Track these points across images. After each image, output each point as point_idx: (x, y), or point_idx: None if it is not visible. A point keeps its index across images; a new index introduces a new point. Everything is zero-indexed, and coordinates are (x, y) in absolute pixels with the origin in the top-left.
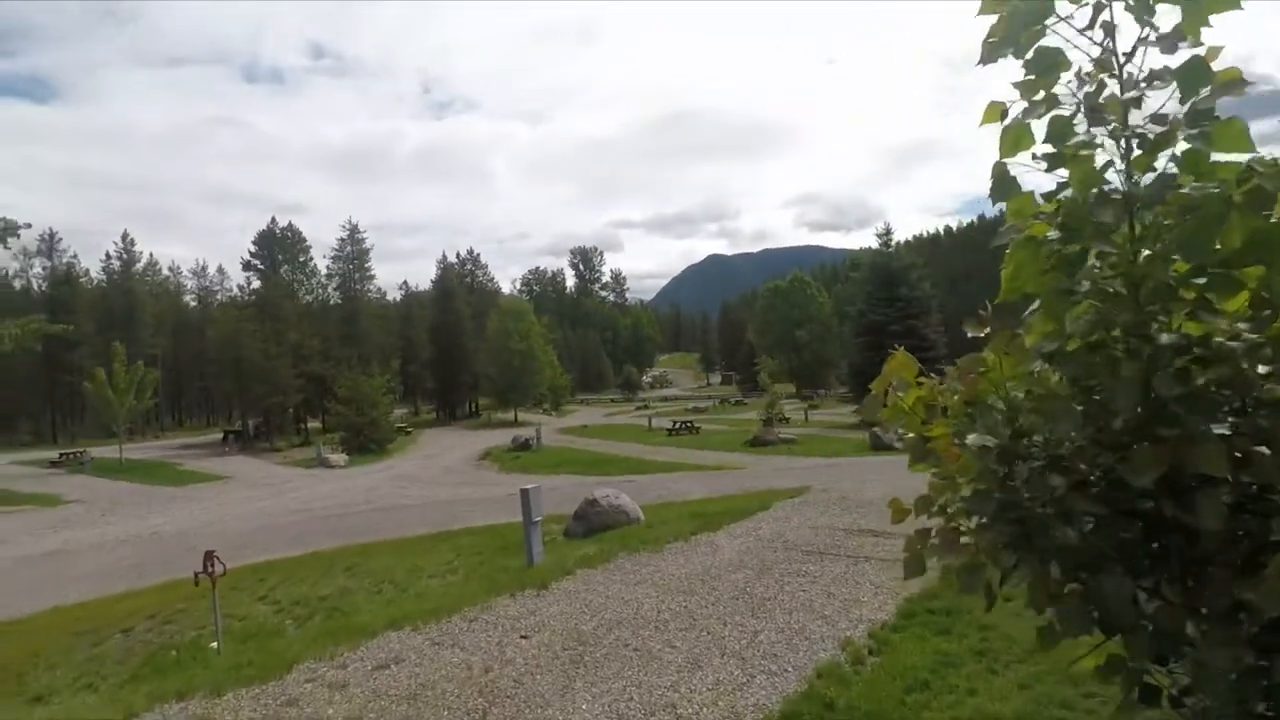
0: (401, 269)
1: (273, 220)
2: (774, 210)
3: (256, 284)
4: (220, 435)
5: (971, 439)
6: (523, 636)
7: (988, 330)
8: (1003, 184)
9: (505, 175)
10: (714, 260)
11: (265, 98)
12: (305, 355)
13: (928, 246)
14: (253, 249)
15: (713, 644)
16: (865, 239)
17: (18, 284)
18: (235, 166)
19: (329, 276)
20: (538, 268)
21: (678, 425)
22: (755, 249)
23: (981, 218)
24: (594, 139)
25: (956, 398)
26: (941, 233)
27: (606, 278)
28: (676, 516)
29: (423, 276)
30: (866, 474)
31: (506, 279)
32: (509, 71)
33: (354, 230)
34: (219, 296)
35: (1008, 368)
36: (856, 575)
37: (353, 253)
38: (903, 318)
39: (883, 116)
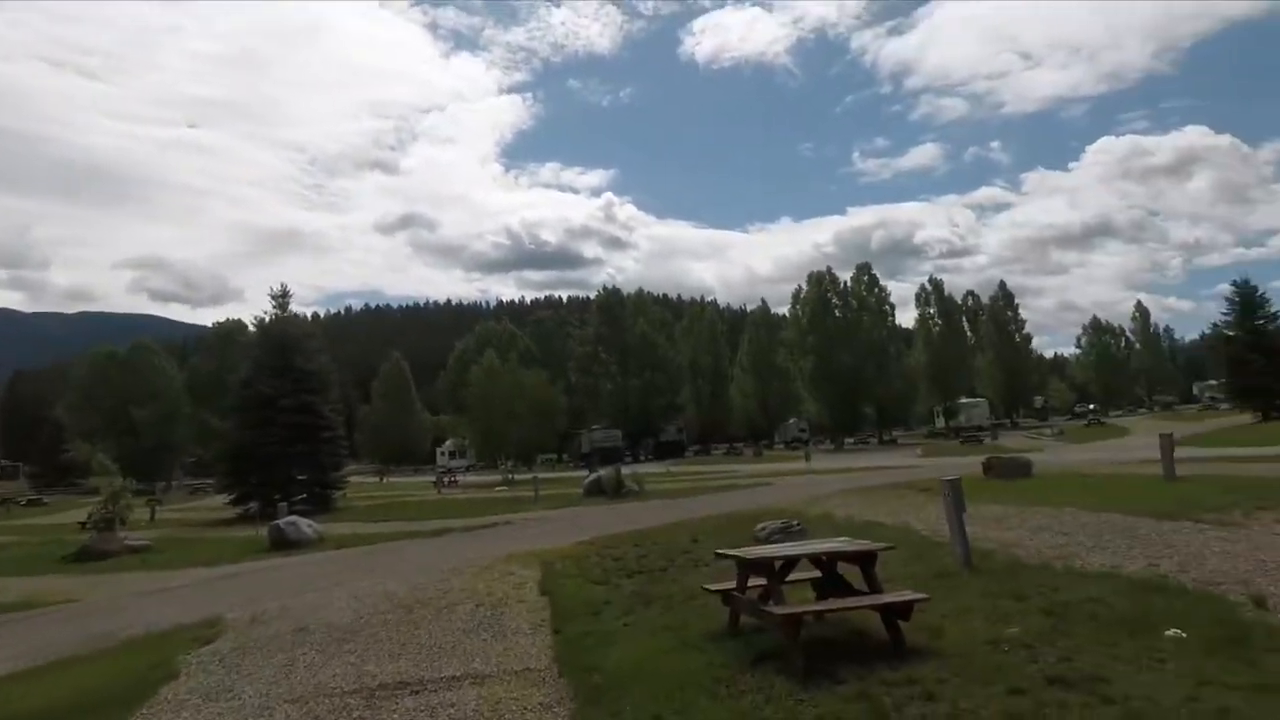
0: None
1: None
2: (104, 269)
3: None
4: None
5: None
6: None
7: None
8: None
9: None
10: (2, 315)
11: None
12: None
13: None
14: None
15: None
16: (219, 315)
17: None
18: None
19: None
20: None
21: None
22: (71, 310)
23: (348, 309)
24: None
25: None
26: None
27: None
28: None
29: None
30: (284, 582)
31: None
32: None
33: None
34: None
35: None
36: None
37: None
38: (299, 391)
39: (248, 195)
